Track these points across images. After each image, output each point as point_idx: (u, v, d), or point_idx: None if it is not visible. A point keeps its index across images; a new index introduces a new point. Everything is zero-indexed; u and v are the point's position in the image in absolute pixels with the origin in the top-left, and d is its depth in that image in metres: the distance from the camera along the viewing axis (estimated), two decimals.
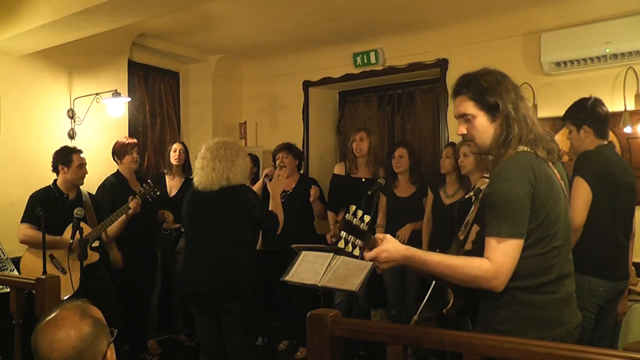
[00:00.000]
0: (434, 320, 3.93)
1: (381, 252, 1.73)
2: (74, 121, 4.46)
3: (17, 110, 4.15)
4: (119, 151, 4.17)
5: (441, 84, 4.71)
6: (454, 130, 4.52)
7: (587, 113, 2.78)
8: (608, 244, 2.76)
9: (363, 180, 4.36)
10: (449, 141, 4.42)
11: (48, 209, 3.41)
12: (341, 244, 1.74)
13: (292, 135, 5.24)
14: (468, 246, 2.16)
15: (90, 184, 3.95)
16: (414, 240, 3.94)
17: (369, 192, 3.44)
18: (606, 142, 2.82)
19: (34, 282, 2.56)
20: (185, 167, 4.62)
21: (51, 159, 3.69)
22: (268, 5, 4.11)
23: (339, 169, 4.59)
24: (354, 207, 1.74)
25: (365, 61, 5.05)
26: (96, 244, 3.64)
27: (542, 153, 1.77)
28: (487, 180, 3.19)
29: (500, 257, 1.66)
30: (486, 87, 1.79)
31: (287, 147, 4.53)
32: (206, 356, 3.16)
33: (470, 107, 1.82)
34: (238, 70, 5.93)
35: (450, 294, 1.97)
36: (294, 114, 5.62)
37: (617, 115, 3.67)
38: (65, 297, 3.17)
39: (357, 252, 1.75)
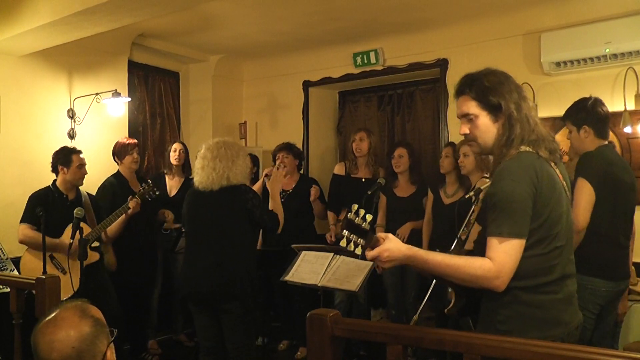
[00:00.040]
0: (434, 320, 3.93)
1: (383, 252, 1.73)
2: (74, 121, 4.46)
3: (17, 110, 4.15)
4: (119, 151, 4.17)
5: (441, 84, 4.71)
6: (454, 130, 4.54)
7: (587, 113, 2.78)
8: (610, 244, 2.76)
9: (363, 180, 4.36)
10: (449, 141, 4.42)
11: (47, 210, 3.41)
12: (343, 243, 1.75)
13: (292, 135, 5.24)
14: (469, 246, 2.16)
15: (90, 184, 3.95)
16: (413, 239, 3.94)
17: (369, 192, 3.44)
18: (606, 142, 2.82)
19: (34, 282, 2.56)
20: (185, 167, 4.62)
21: (51, 160, 3.68)
22: (268, 5, 4.11)
23: (339, 169, 4.59)
24: (356, 206, 1.75)
25: (365, 61, 5.05)
26: (95, 244, 3.64)
27: (544, 153, 1.77)
28: (487, 180, 3.20)
29: (502, 256, 1.66)
30: (489, 87, 1.79)
31: (287, 147, 4.53)
32: (206, 356, 3.16)
33: (472, 107, 1.82)
34: (238, 70, 5.93)
35: (451, 294, 1.97)
36: (294, 114, 5.63)
37: (617, 115, 3.67)
38: (66, 298, 3.17)
39: (359, 251, 1.75)
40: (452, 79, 4.59)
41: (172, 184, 4.60)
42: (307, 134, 5.57)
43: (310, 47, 5.22)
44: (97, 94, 4.41)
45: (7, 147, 4.09)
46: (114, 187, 4.08)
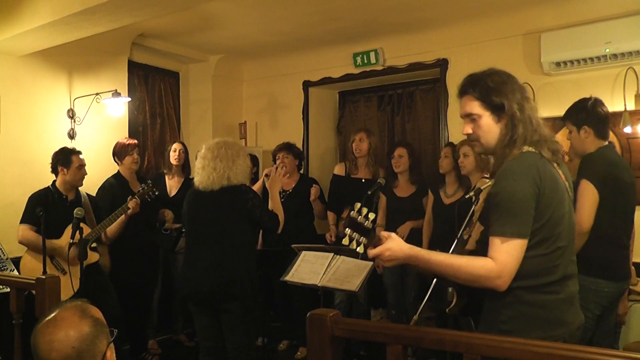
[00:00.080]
0: (434, 320, 3.93)
1: (385, 251, 1.74)
2: (74, 121, 4.46)
3: (17, 110, 4.15)
4: (119, 152, 4.17)
5: (441, 84, 4.71)
6: (454, 131, 4.54)
7: (587, 113, 2.78)
8: (613, 245, 2.76)
9: (363, 180, 4.36)
10: (448, 141, 4.42)
11: (47, 210, 3.41)
12: (346, 241, 1.75)
13: (292, 135, 5.24)
14: (470, 245, 2.16)
15: (90, 184, 3.95)
16: (413, 239, 3.94)
17: (369, 192, 3.44)
18: (606, 143, 2.82)
19: (34, 282, 2.56)
20: (185, 167, 4.62)
21: (50, 160, 3.68)
22: (268, 5, 4.11)
23: (339, 170, 4.59)
24: (358, 205, 1.75)
25: (365, 61, 5.05)
26: (94, 245, 3.64)
27: (547, 154, 1.77)
28: (487, 180, 3.20)
29: (504, 256, 1.67)
30: (492, 87, 1.79)
31: (287, 147, 4.53)
32: (206, 356, 3.16)
33: (476, 107, 1.83)
34: (238, 70, 5.93)
35: (450, 294, 1.97)
36: (294, 114, 5.63)
37: (617, 115, 3.67)
38: (66, 298, 3.17)
39: (361, 249, 1.76)
40: (452, 79, 4.60)
41: (172, 184, 4.60)
42: (307, 134, 5.57)
43: (310, 47, 5.22)
44: (97, 94, 4.41)
45: (7, 147, 4.09)
46: (114, 188, 4.08)
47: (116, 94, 4.37)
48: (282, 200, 3.85)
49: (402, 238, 1.90)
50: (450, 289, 1.96)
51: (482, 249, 1.77)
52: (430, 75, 4.97)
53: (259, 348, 3.92)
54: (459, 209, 3.13)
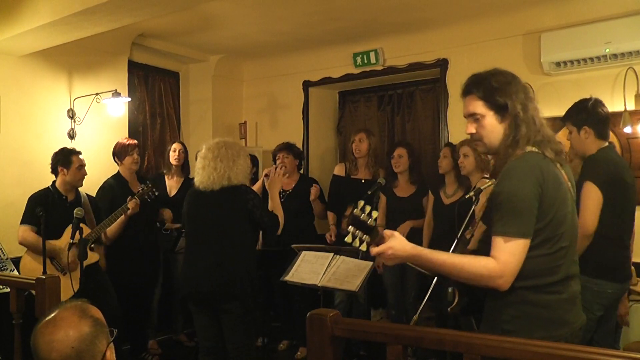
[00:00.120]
0: (434, 320, 3.93)
1: (387, 249, 1.75)
2: (74, 121, 4.46)
3: (17, 110, 4.15)
4: (119, 152, 4.17)
5: (441, 84, 4.71)
6: (454, 131, 4.54)
7: (587, 114, 2.78)
8: (616, 246, 2.76)
9: (363, 181, 4.36)
10: (448, 141, 4.43)
11: (47, 210, 3.41)
12: (349, 239, 1.75)
13: (292, 135, 5.24)
14: (472, 245, 2.16)
15: (90, 184, 3.95)
16: (413, 238, 3.91)
17: (369, 192, 3.45)
18: (607, 143, 2.82)
19: (34, 282, 2.56)
20: (185, 167, 4.62)
21: (50, 160, 3.68)
22: (268, 5, 4.11)
23: (339, 170, 4.59)
24: (362, 203, 1.75)
25: (365, 61, 5.05)
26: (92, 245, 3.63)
27: (550, 154, 1.78)
28: (487, 180, 3.21)
29: (507, 256, 1.67)
30: (496, 87, 1.80)
31: (287, 147, 4.53)
32: (206, 356, 3.16)
33: (479, 107, 1.83)
34: (238, 70, 5.93)
35: (450, 294, 1.97)
36: (294, 114, 5.63)
37: (617, 115, 3.67)
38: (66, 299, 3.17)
39: (364, 247, 1.76)
40: (452, 79, 4.60)
41: (172, 184, 4.60)
42: (307, 134, 5.57)
43: (310, 47, 5.22)
44: (97, 94, 4.41)
45: (7, 147, 4.09)
46: (113, 189, 4.07)
47: (116, 94, 4.37)
48: (282, 200, 3.85)
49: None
50: (450, 289, 1.96)
51: (484, 249, 1.77)
52: (430, 75, 4.97)
53: (259, 348, 3.92)
54: (459, 209, 3.13)
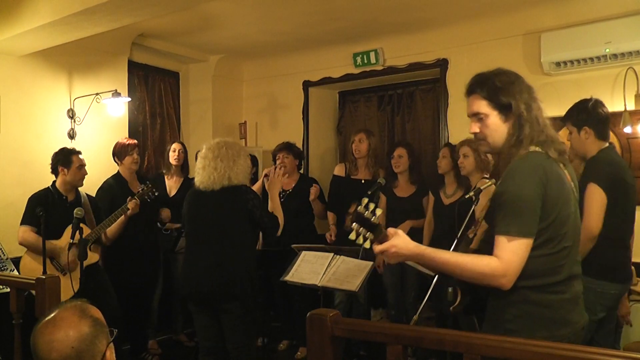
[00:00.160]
0: (434, 320, 3.93)
1: (390, 247, 1.76)
2: (74, 121, 4.47)
3: (17, 110, 4.15)
4: (119, 152, 4.17)
5: (441, 84, 4.71)
6: (454, 131, 4.54)
7: (588, 114, 2.78)
8: (618, 246, 2.77)
9: (363, 181, 4.35)
10: (447, 141, 4.43)
11: (47, 211, 3.41)
12: (352, 236, 1.76)
13: (292, 135, 5.24)
14: (475, 244, 2.16)
15: (90, 184, 3.94)
16: (413, 238, 3.90)
17: (369, 192, 3.44)
18: (607, 144, 2.81)
19: (34, 282, 2.56)
20: (184, 167, 4.62)
21: (50, 160, 3.68)
22: (268, 5, 4.11)
23: (339, 170, 4.59)
24: (366, 200, 1.75)
25: (365, 61, 5.05)
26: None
27: (553, 154, 1.78)
28: (487, 180, 3.21)
29: (509, 255, 1.68)
30: (500, 87, 1.80)
31: (287, 147, 4.53)
32: (206, 356, 3.16)
33: (483, 106, 1.83)
34: (238, 70, 5.93)
35: (450, 294, 1.97)
36: (294, 114, 5.63)
37: (617, 115, 3.67)
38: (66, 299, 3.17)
39: (367, 244, 1.76)
40: (452, 79, 4.60)
41: (172, 184, 4.60)
42: (307, 134, 5.57)
43: (310, 47, 5.22)
44: (97, 94, 4.41)
45: (7, 147, 4.09)
46: (113, 189, 4.07)
47: (116, 94, 4.37)
48: (282, 200, 3.85)
49: None
50: (450, 289, 1.96)
51: (486, 248, 1.78)
52: (430, 75, 4.97)
53: (259, 348, 3.92)
54: (459, 209, 3.13)
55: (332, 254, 3.19)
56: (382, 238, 1.77)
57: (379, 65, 5.02)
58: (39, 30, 3.58)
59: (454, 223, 3.12)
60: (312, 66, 5.44)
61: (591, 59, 3.81)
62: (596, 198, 2.64)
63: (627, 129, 3.70)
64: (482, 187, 3.04)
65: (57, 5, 3.37)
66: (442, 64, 4.68)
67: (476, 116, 1.86)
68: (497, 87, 1.80)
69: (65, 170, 3.62)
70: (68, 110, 4.45)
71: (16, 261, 3.69)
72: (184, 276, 3.17)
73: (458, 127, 4.44)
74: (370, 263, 3.09)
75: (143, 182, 4.03)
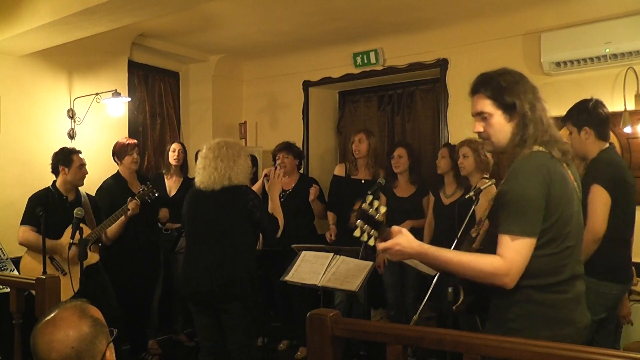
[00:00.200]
0: (434, 320, 3.93)
1: (394, 245, 1.76)
2: (74, 121, 4.46)
3: (17, 110, 4.15)
4: (119, 152, 4.17)
5: (441, 84, 4.71)
6: (454, 131, 4.53)
7: (588, 114, 2.78)
8: (620, 247, 2.77)
9: (363, 181, 4.36)
10: (446, 141, 4.43)
11: (47, 210, 3.40)
12: (357, 233, 1.76)
13: (292, 135, 5.23)
14: (477, 244, 2.16)
15: (90, 184, 3.94)
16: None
17: (369, 192, 3.43)
18: (607, 144, 2.81)
19: (34, 282, 2.56)
20: (184, 167, 4.62)
21: (50, 160, 3.68)
22: (268, 5, 4.11)
23: (339, 170, 4.59)
24: (370, 197, 1.76)
25: (365, 61, 5.05)
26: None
27: (557, 154, 1.79)
28: (487, 180, 3.21)
29: (513, 254, 1.68)
30: (504, 87, 1.81)
31: (287, 147, 4.53)
32: (206, 356, 3.16)
33: (487, 106, 1.84)
34: (238, 70, 5.93)
35: (450, 294, 1.97)
36: (294, 114, 5.62)
37: (617, 115, 3.67)
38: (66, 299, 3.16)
39: (372, 242, 1.77)
40: (452, 79, 4.60)
41: (171, 184, 4.60)
42: (307, 134, 5.57)
43: (310, 47, 5.22)
44: (97, 94, 4.41)
45: (7, 147, 4.09)
46: (112, 189, 4.07)
47: (116, 94, 4.37)
48: (282, 200, 3.85)
49: None
50: (450, 289, 1.96)
51: (489, 247, 1.78)
52: (430, 75, 4.97)
53: (259, 348, 3.92)
54: (459, 209, 3.14)
55: (332, 254, 3.19)
56: (386, 236, 1.77)
57: (379, 65, 5.01)
58: (39, 30, 3.58)
59: (454, 223, 3.13)
60: (312, 66, 5.44)
61: (591, 59, 3.81)
62: (600, 199, 2.63)
63: (627, 129, 3.70)
64: (482, 187, 3.04)
65: (57, 5, 3.37)
66: (442, 64, 4.68)
67: (480, 115, 1.87)
68: (501, 86, 1.81)
69: (66, 169, 3.62)
70: (68, 110, 4.45)
71: (16, 261, 3.69)
72: (184, 276, 3.17)
73: (458, 127, 4.44)
74: (370, 263, 3.09)
75: (143, 182, 4.03)
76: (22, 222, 3.55)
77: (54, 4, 3.39)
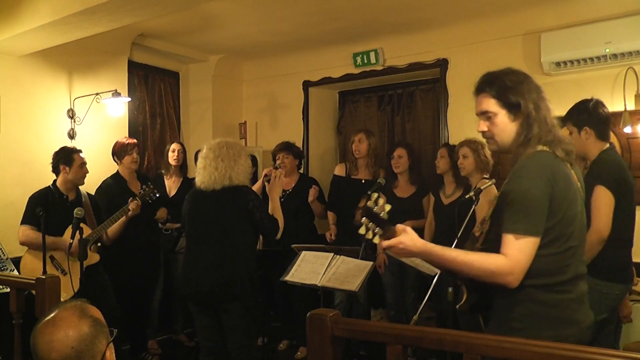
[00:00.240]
0: (434, 320, 3.93)
1: (398, 243, 1.76)
2: (74, 121, 4.46)
3: (17, 110, 4.15)
4: (118, 151, 4.17)
5: (441, 84, 4.70)
6: (454, 131, 4.53)
7: (589, 114, 2.77)
8: (621, 247, 2.76)
9: (363, 181, 4.35)
10: (446, 141, 4.43)
11: (48, 210, 3.40)
12: (362, 230, 1.77)
13: (292, 135, 5.23)
14: (480, 243, 2.16)
15: (90, 184, 3.94)
16: None
17: (369, 192, 3.43)
18: (608, 144, 2.81)
19: (34, 282, 2.56)
20: (183, 167, 4.62)
21: (51, 160, 3.68)
22: (268, 5, 4.11)
23: (339, 170, 4.58)
24: (375, 195, 1.77)
25: (365, 61, 5.05)
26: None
27: (560, 154, 1.79)
28: (487, 181, 3.21)
29: (516, 253, 1.69)
30: (509, 86, 1.82)
31: (287, 147, 4.53)
32: (206, 356, 3.16)
33: (492, 105, 1.84)
34: (238, 70, 5.93)
35: (450, 294, 1.97)
36: (294, 114, 5.62)
37: (617, 115, 3.67)
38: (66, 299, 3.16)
39: (377, 240, 1.77)
40: (452, 79, 4.59)
41: (171, 184, 4.59)
42: (307, 134, 5.57)
43: (310, 47, 5.22)
44: (97, 94, 4.41)
45: (7, 147, 4.09)
46: (111, 189, 4.07)
47: (116, 94, 4.37)
48: (282, 200, 3.84)
49: None
50: (450, 289, 1.96)
51: (493, 247, 1.78)
52: (430, 75, 4.97)
53: (259, 348, 3.92)
54: (459, 209, 3.14)
55: (332, 254, 3.19)
56: (390, 234, 1.78)
57: (379, 65, 5.02)
58: (39, 30, 3.58)
59: (454, 223, 3.13)
60: (312, 66, 5.44)
61: (591, 59, 3.81)
62: (604, 200, 2.63)
63: (627, 129, 3.70)
64: (482, 187, 3.04)
65: (57, 5, 3.37)
66: (442, 64, 4.68)
67: (485, 115, 1.87)
68: (506, 86, 1.82)
69: (67, 168, 3.62)
70: (68, 110, 4.45)
71: (16, 261, 3.69)
72: (184, 276, 3.17)
73: (458, 127, 4.44)
74: (370, 263, 3.09)
75: (143, 181, 4.03)
76: (23, 222, 3.55)
77: (54, 4, 3.39)
